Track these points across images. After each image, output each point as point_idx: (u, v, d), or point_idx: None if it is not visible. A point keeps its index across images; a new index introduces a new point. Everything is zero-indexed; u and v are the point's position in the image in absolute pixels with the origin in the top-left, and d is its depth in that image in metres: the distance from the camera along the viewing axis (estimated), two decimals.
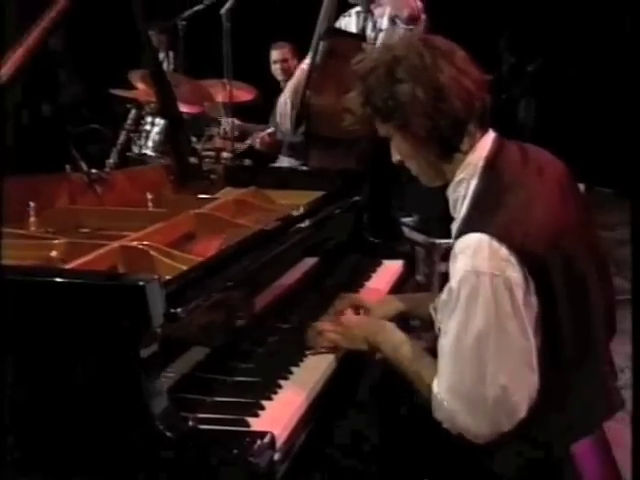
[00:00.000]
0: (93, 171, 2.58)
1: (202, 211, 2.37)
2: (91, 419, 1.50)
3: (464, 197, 1.80)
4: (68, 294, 1.54)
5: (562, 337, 1.70)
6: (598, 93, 8.08)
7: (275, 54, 5.53)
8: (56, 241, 2.02)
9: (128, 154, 4.40)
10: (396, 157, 1.87)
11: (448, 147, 1.78)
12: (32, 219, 2.32)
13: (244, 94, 5.27)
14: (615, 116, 7.90)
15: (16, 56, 1.98)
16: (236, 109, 5.06)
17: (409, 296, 2.43)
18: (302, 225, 2.34)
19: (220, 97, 4.96)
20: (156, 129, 4.85)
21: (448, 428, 1.72)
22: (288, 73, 5.39)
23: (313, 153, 3.89)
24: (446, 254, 3.97)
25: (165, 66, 6.27)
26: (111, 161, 3.33)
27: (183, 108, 4.77)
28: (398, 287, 2.64)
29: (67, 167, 2.59)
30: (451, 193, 1.86)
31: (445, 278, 3.37)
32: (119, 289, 1.50)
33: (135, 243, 1.98)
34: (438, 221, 2.04)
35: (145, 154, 4.77)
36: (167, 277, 1.82)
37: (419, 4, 3.72)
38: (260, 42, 5.70)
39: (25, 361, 1.54)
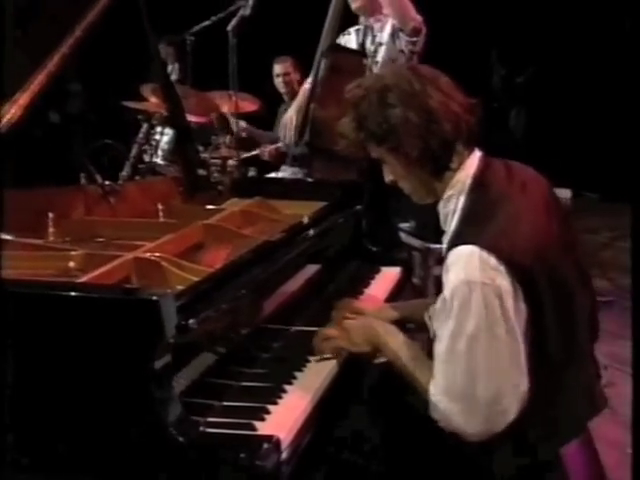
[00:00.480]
0: (107, 183, 2.61)
1: (210, 222, 2.38)
2: (106, 427, 1.51)
3: (454, 212, 1.84)
4: (84, 308, 1.54)
5: (549, 341, 1.73)
6: (585, 103, 8.10)
7: (278, 68, 5.53)
8: (74, 252, 2.02)
9: (139, 166, 4.42)
10: (389, 178, 1.90)
11: (438, 166, 1.82)
12: (51, 229, 2.33)
13: (248, 105, 5.28)
14: (600, 126, 7.99)
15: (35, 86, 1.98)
16: (241, 119, 5.08)
17: (404, 304, 2.44)
18: (306, 235, 2.35)
19: (226, 108, 4.97)
20: (165, 138, 4.90)
21: (444, 427, 1.74)
22: (290, 86, 5.42)
23: (316, 165, 3.91)
24: (441, 258, 3.99)
25: (172, 77, 6.30)
26: (124, 173, 3.34)
27: (191, 118, 4.81)
28: (396, 293, 2.64)
29: (82, 179, 2.62)
30: (442, 208, 1.89)
31: (439, 281, 3.39)
32: (133, 303, 1.51)
33: (148, 255, 1.99)
34: (433, 227, 2.06)
35: (155, 162, 4.80)
36: (178, 287, 1.84)
37: (419, 17, 3.74)
38: (264, 55, 5.71)
39: (42, 372, 1.54)
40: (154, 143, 4.87)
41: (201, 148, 4.82)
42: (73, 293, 1.58)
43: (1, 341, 1.54)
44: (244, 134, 4.87)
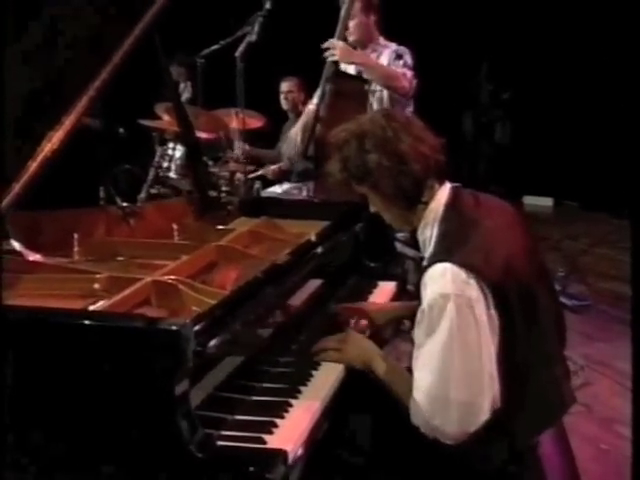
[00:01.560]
0: (126, 205, 2.64)
1: (221, 243, 2.40)
2: (129, 447, 1.52)
3: (430, 237, 1.91)
4: (107, 337, 1.56)
5: (519, 344, 1.78)
6: (566, 119, 8.12)
7: (284, 86, 5.53)
8: (98, 275, 2.05)
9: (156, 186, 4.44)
10: (372, 209, 2.00)
11: (411, 201, 1.91)
12: (76, 249, 2.36)
13: (254, 121, 5.27)
14: (580, 140, 8.01)
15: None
16: (247, 135, 5.10)
17: (405, 304, 2.53)
18: (312, 255, 2.37)
19: (233, 124, 5.00)
20: (178, 153, 4.91)
21: (424, 432, 1.79)
22: (294, 103, 5.43)
23: (320, 184, 3.93)
24: None
25: (185, 94, 6.33)
26: (142, 195, 3.37)
27: (201, 135, 4.84)
28: None
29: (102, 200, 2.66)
30: (419, 235, 1.97)
31: None
32: (155, 333, 1.52)
33: (165, 278, 2.01)
34: None
35: (168, 176, 4.83)
36: (194, 308, 1.89)
37: (408, 83, 3.76)
38: (270, 76, 5.73)
39: (67, 396, 1.56)
40: (167, 158, 4.90)
41: (211, 163, 4.87)
42: (96, 322, 1.59)
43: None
44: (246, 157, 4.88)
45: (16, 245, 2.21)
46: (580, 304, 4.95)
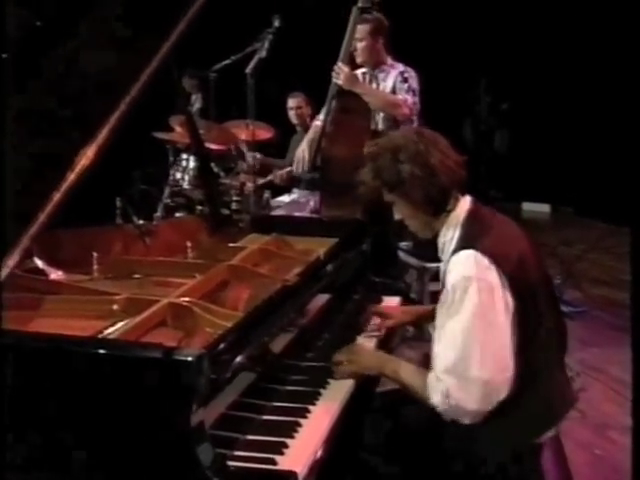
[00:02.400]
0: (142, 223, 2.64)
1: (233, 263, 2.39)
2: (146, 472, 1.51)
3: (451, 239, 1.97)
4: (124, 366, 1.54)
5: (528, 339, 1.84)
6: (562, 129, 8.11)
7: (291, 102, 5.52)
8: (117, 297, 2.04)
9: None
10: (398, 216, 2.06)
11: (437, 209, 1.98)
12: (95, 266, 2.37)
13: (264, 133, 5.31)
14: (575, 149, 8.00)
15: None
16: (257, 146, 5.11)
17: (410, 309, 2.64)
18: (321, 274, 2.39)
19: (243, 135, 5.00)
20: (191, 164, 4.92)
21: (442, 411, 1.83)
22: (301, 118, 5.43)
23: (326, 196, 3.94)
24: (435, 276, 4.02)
25: (196, 105, 6.33)
26: (158, 214, 3.38)
27: (213, 147, 4.85)
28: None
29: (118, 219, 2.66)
30: (440, 238, 2.02)
31: (434, 296, 3.42)
32: (171, 363, 1.50)
33: (181, 300, 2.00)
34: (429, 247, 2.15)
35: (182, 186, 4.84)
36: (207, 329, 1.89)
37: (410, 101, 3.79)
38: (280, 89, 5.73)
39: (83, 423, 1.55)
40: (181, 169, 4.90)
41: (222, 173, 4.88)
42: (114, 352, 1.59)
43: None
44: (257, 165, 4.88)
45: (39, 263, 2.22)
46: (576, 310, 4.94)
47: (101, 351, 1.59)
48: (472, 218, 1.98)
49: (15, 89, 1.98)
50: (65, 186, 1.83)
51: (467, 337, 1.78)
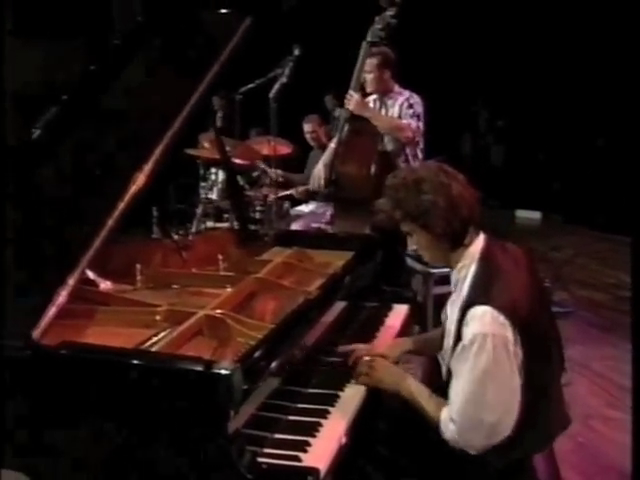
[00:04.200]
0: (176, 237, 2.69)
1: (260, 276, 2.41)
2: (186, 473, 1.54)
3: (465, 277, 1.91)
4: (166, 378, 1.56)
5: (535, 376, 1.81)
6: (553, 142, 8.11)
7: (306, 126, 5.52)
8: (159, 308, 2.07)
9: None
10: (413, 247, 2.00)
11: (456, 241, 1.91)
12: (138, 277, 2.41)
13: (284, 148, 5.27)
14: (565, 161, 8.00)
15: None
16: (278, 160, 5.15)
17: (414, 338, 2.46)
18: (339, 286, 2.39)
19: (265, 150, 5.03)
20: (220, 177, 4.96)
21: (452, 444, 1.82)
22: (317, 140, 5.43)
23: (338, 210, 3.98)
24: (438, 280, 3.98)
25: (217, 123, 6.36)
26: (193, 230, 3.43)
27: (238, 161, 4.89)
28: (406, 326, 2.65)
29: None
30: (455, 274, 1.96)
31: (437, 299, 3.40)
32: (209, 376, 1.51)
33: (215, 312, 2.03)
34: None
35: (211, 198, 4.88)
36: (239, 339, 1.92)
37: (414, 125, 3.80)
38: (300, 106, 5.75)
39: (126, 431, 1.57)
40: (210, 182, 4.94)
41: (247, 186, 4.92)
42: (157, 364, 1.62)
43: None
44: (281, 179, 4.92)
45: (90, 274, 2.24)
46: (563, 311, 4.93)
47: (146, 363, 1.62)
48: (486, 260, 1.90)
49: (77, 123, 2.04)
50: (118, 213, 1.90)
51: (481, 387, 1.75)
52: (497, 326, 1.74)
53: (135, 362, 1.61)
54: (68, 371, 1.63)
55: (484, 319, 1.75)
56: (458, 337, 1.83)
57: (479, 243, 1.93)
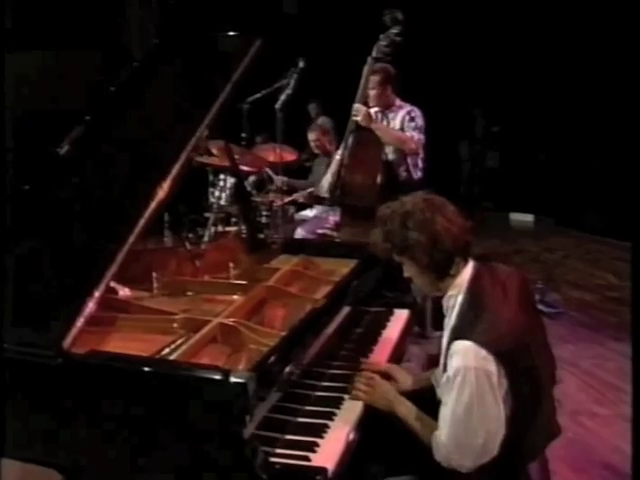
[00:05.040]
0: (190, 246, 2.74)
1: (270, 284, 2.46)
2: (203, 476, 1.58)
3: (453, 306, 1.94)
4: (185, 386, 1.60)
5: (521, 402, 1.83)
6: (545, 148, 8.17)
7: (310, 136, 5.52)
8: (176, 316, 2.12)
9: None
10: (406, 274, 1.99)
11: (441, 273, 1.92)
12: (155, 284, 2.46)
13: (289, 155, 5.30)
14: (557, 166, 8.05)
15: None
16: (283, 167, 5.19)
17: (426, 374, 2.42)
18: (344, 294, 2.44)
19: (272, 157, 5.07)
20: (229, 183, 4.99)
21: (443, 464, 1.86)
22: (321, 147, 5.44)
23: (343, 217, 4.03)
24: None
25: None
26: (206, 239, 3.48)
27: (246, 169, 4.93)
28: (406, 330, 2.69)
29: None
30: (445, 302, 1.99)
31: (436, 302, 3.39)
32: (226, 384, 1.55)
33: (228, 320, 2.07)
34: None
35: (220, 204, 4.92)
36: (251, 346, 1.96)
37: (416, 137, 3.87)
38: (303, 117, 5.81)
39: (149, 435, 1.61)
40: (219, 188, 4.97)
41: (254, 192, 4.97)
42: (176, 372, 1.66)
43: None
44: (285, 186, 4.97)
45: (111, 282, 2.30)
46: (555, 311, 4.98)
47: (165, 371, 1.68)
48: (472, 293, 1.90)
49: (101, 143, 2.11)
50: (139, 229, 1.96)
51: (466, 415, 1.78)
52: (479, 360, 1.76)
53: (157, 370, 1.68)
54: (95, 378, 1.69)
55: (467, 354, 1.77)
56: (445, 366, 1.88)
57: (467, 272, 1.94)
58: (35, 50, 5.33)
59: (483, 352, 1.76)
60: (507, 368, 1.79)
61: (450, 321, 1.94)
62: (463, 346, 1.79)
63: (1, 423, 1.69)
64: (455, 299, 1.94)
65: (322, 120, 7.17)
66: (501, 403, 1.80)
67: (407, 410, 2.03)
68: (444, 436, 1.85)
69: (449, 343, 1.86)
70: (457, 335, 1.84)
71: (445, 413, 1.85)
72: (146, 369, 1.66)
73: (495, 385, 1.78)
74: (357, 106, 3.87)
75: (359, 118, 3.87)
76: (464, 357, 1.78)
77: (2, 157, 2.02)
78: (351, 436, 1.87)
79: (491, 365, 1.77)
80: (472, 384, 1.76)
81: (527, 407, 1.85)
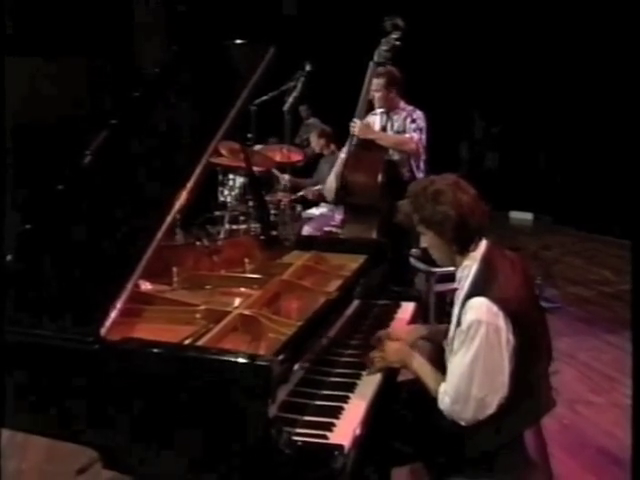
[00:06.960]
0: (208, 243, 2.82)
1: (284, 278, 2.55)
2: (232, 449, 1.68)
3: (467, 276, 2.07)
4: (212, 369, 1.70)
5: (526, 361, 1.96)
6: (543, 148, 8.23)
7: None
8: (198, 308, 2.22)
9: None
10: (424, 244, 2.13)
11: (463, 247, 2.06)
12: (175, 278, 2.56)
13: (295, 156, 5.46)
14: (555, 166, 8.12)
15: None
16: (290, 167, 5.30)
17: (428, 326, 2.69)
18: (354, 286, 2.53)
19: (278, 158, 5.19)
20: (238, 183, 5.11)
21: (446, 414, 2.00)
22: (324, 147, 5.61)
23: (347, 216, 4.13)
24: (440, 279, 4.09)
25: None
26: (222, 236, 3.58)
27: (256, 168, 5.04)
28: (413, 321, 2.79)
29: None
30: (459, 272, 2.12)
31: (439, 295, 3.50)
32: (252, 367, 1.66)
33: (248, 312, 2.17)
34: None
35: (229, 201, 5.04)
36: (270, 335, 2.06)
37: (416, 138, 3.95)
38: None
39: (182, 415, 1.71)
40: (229, 187, 5.09)
41: (262, 191, 5.07)
42: (208, 356, 1.77)
43: None
44: (289, 184, 5.09)
45: None
46: (553, 306, 5.08)
47: (199, 355, 1.80)
48: (486, 262, 2.03)
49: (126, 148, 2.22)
50: (165, 228, 2.08)
51: (473, 366, 1.91)
52: (491, 315, 1.90)
53: (188, 355, 1.80)
54: (130, 362, 1.81)
55: (480, 309, 1.90)
56: (458, 323, 2.01)
57: (482, 248, 2.07)
58: (36, 57, 5.44)
59: (495, 308, 1.90)
60: (515, 326, 1.92)
61: (463, 290, 2.06)
62: (477, 302, 1.93)
63: (1, 398, 1.81)
64: (470, 269, 2.07)
65: (313, 121, 7.31)
66: (507, 360, 1.93)
67: (419, 364, 2.17)
68: (449, 385, 1.98)
69: (464, 302, 1.98)
70: (472, 294, 1.97)
71: (454, 363, 1.99)
72: (178, 354, 1.79)
73: (503, 342, 1.91)
74: (354, 121, 3.98)
75: (356, 131, 3.97)
76: (477, 311, 1.92)
77: (2, 157, 2.11)
78: (363, 419, 1.97)
79: (501, 321, 1.90)
80: (482, 337, 1.90)
81: (529, 369, 1.98)
